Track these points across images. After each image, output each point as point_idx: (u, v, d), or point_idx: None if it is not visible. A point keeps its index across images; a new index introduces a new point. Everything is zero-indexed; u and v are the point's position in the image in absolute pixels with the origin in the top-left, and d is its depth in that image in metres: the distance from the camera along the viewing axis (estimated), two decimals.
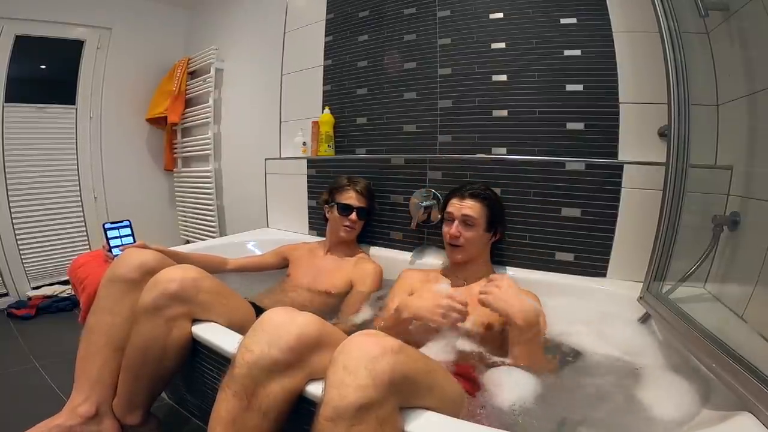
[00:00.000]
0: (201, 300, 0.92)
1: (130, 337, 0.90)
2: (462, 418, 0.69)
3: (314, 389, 0.69)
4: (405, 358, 0.61)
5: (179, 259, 1.17)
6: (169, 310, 0.88)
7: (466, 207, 1.19)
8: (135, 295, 0.93)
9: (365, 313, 1.25)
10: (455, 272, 1.26)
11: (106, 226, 1.33)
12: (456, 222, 1.19)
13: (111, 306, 0.96)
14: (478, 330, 1.06)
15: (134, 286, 0.96)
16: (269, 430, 0.67)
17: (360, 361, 0.58)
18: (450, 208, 1.23)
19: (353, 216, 1.45)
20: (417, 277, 1.29)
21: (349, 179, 1.52)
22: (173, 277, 0.90)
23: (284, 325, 0.70)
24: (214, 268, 1.39)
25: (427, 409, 0.65)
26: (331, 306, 1.34)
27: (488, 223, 1.20)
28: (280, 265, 1.58)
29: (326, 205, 1.53)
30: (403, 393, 0.61)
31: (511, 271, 1.37)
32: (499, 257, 1.39)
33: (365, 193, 1.50)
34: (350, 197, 1.47)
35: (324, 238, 1.61)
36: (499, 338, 1.07)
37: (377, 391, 0.56)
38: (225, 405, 0.68)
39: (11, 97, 2.28)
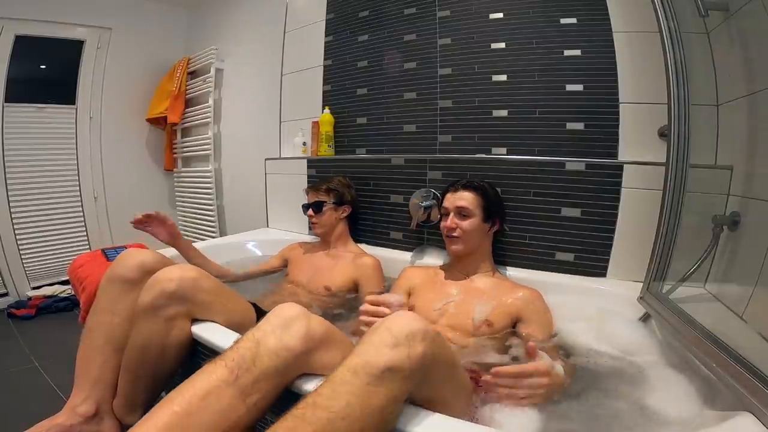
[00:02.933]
0: (200, 300, 0.92)
1: (130, 337, 0.90)
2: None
3: (303, 384, 0.68)
4: (438, 347, 0.64)
5: (203, 263, 1.37)
6: (168, 309, 0.88)
7: (460, 198, 1.20)
8: (134, 295, 0.93)
9: None
10: (456, 267, 1.26)
11: (108, 253, 1.35)
12: (451, 214, 1.20)
13: (110, 306, 0.96)
14: (480, 327, 1.07)
15: (134, 286, 0.96)
16: (242, 415, 0.63)
17: (404, 330, 0.60)
18: (445, 203, 1.23)
19: (309, 212, 1.50)
20: (417, 275, 1.30)
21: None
22: (172, 276, 0.90)
23: (297, 317, 0.70)
24: (222, 275, 1.41)
25: (441, 399, 0.66)
26: (331, 303, 1.34)
27: (485, 213, 1.20)
28: (282, 267, 1.61)
29: None
30: (426, 376, 0.62)
31: (512, 271, 1.37)
32: (500, 257, 1.38)
33: (321, 187, 1.53)
34: (306, 197, 1.55)
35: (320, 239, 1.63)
36: (502, 338, 1.07)
37: (409, 362, 0.58)
38: (206, 373, 0.64)
39: (11, 97, 2.28)
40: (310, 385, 0.67)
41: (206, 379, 0.64)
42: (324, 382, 0.58)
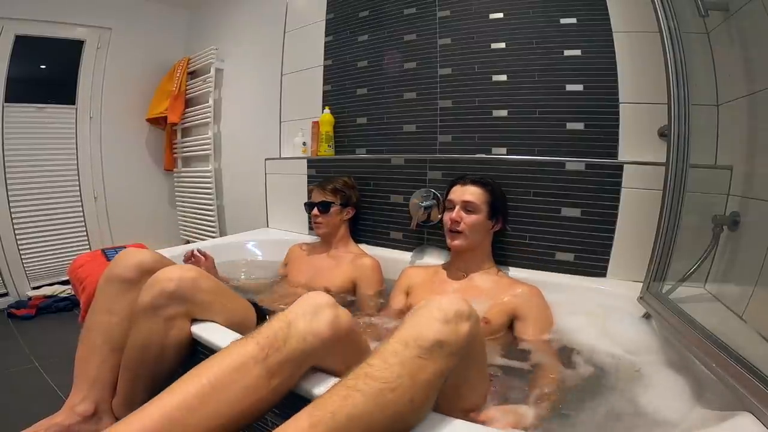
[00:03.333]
0: (200, 300, 0.92)
1: (129, 337, 0.90)
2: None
3: (308, 385, 0.68)
4: (478, 331, 0.66)
5: None
6: (167, 309, 0.87)
7: (467, 192, 1.19)
8: (133, 295, 0.93)
9: None
10: (455, 264, 1.26)
11: (108, 253, 1.35)
12: (457, 207, 1.18)
13: (109, 305, 0.96)
14: None
15: (132, 286, 0.96)
16: (264, 396, 0.63)
17: (452, 308, 0.62)
18: (451, 195, 1.22)
19: (315, 211, 1.49)
20: (417, 274, 1.30)
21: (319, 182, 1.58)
22: (171, 276, 0.89)
23: (327, 305, 0.70)
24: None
25: (471, 383, 0.69)
26: None
27: (490, 210, 1.19)
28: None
29: None
30: (466, 356, 0.63)
31: (512, 271, 1.36)
32: (500, 257, 1.38)
33: (327, 186, 1.52)
34: (311, 196, 1.53)
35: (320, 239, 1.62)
36: (503, 338, 1.07)
37: (456, 338, 0.60)
38: (238, 348, 0.63)
39: (11, 97, 2.28)
40: (317, 389, 0.66)
41: (236, 352, 0.63)
42: (374, 354, 0.59)
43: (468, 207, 1.18)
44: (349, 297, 1.37)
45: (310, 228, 1.96)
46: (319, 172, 1.89)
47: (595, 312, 1.11)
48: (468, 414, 0.70)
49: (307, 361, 0.67)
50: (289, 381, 0.66)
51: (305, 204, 1.55)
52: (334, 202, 1.49)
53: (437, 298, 0.65)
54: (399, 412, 0.55)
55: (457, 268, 1.24)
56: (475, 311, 0.66)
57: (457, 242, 1.19)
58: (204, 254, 1.39)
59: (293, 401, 0.66)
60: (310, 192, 1.59)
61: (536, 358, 0.98)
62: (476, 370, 0.71)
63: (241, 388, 0.61)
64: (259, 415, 0.64)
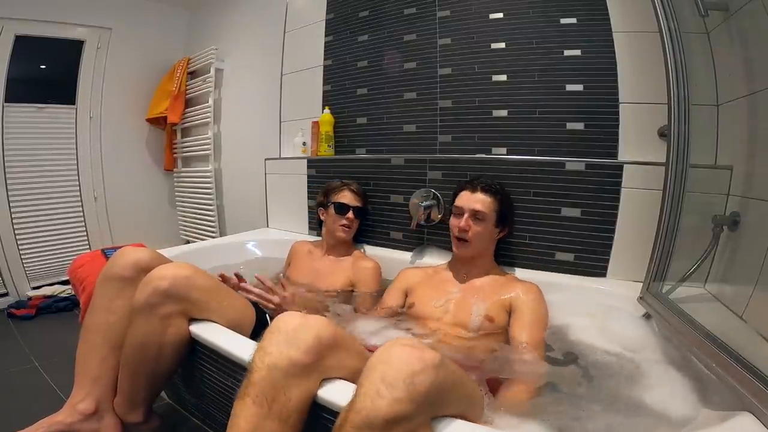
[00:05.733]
0: (195, 298, 0.92)
1: (127, 336, 0.90)
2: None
3: (326, 394, 0.69)
4: (444, 372, 0.61)
5: None
6: (162, 308, 0.88)
7: (477, 201, 1.17)
8: (130, 293, 0.93)
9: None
10: (457, 266, 1.26)
11: (108, 253, 1.34)
12: (466, 215, 1.17)
13: (107, 304, 0.96)
14: (482, 323, 1.07)
15: (129, 284, 0.96)
16: (291, 430, 0.66)
17: (399, 374, 0.57)
18: (460, 201, 1.20)
19: (350, 215, 1.46)
20: (415, 274, 1.30)
21: (343, 181, 1.55)
22: (165, 274, 0.90)
23: (301, 327, 0.70)
24: None
25: (455, 416, 0.64)
26: (331, 303, 1.34)
27: (498, 219, 1.19)
28: None
29: (321, 207, 1.54)
30: (437, 405, 0.61)
31: (511, 271, 1.37)
32: (500, 257, 1.38)
33: (360, 193, 1.52)
34: (345, 196, 1.49)
35: (321, 238, 1.61)
36: (505, 334, 1.07)
37: (412, 405, 0.56)
38: (244, 414, 0.65)
39: (11, 97, 2.27)
40: (328, 394, 0.69)
41: (244, 417, 0.65)
42: None
43: (477, 215, 1.16)
44: (349, 297, 1.38)
45: (311, 228, 1.96)
46: (319, 172, 1.89)
47: (595, 312, 1.11)
48: None
49: (309, 380, 0.68)
50: (304, 403, 0.67)
51: (335, 204, 1.47)
52: (367, 210, 1.53)
53: (382, 365, 0.59)
54: None
55: (458, 269, 1.25)
56: (431, 357, 0.60)
57: (463, 251, 1.18)
58: (281, 285, 1.22)
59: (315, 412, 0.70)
60: (329, 191, 1.52)
61: (523, 360, 0.98)
62: (462, 402, 0.68)
63: None
64: None
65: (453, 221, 1.20)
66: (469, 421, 0.65)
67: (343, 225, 1.46)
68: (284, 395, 0.65)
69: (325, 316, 1.20)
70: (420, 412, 0.57)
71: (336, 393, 0.68)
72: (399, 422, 0.55)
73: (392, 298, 1.26)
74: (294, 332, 0.69)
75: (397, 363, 0.58)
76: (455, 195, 1.25)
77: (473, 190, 1.19)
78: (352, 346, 0.77)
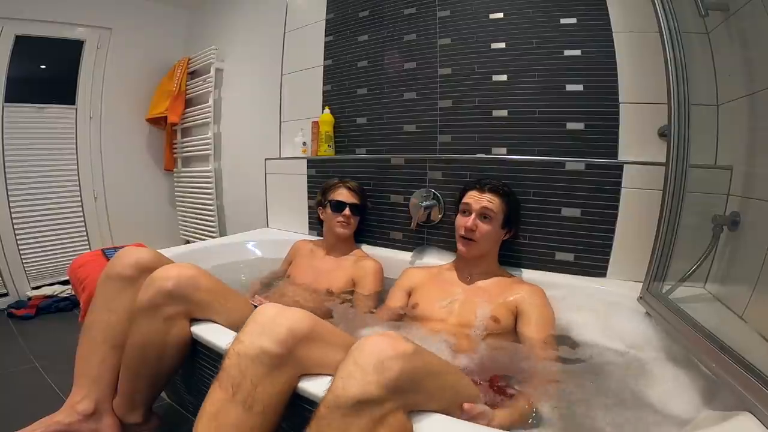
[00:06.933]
0: (198, 298, 0.92)
1: (129, 336, 0.90)
2: None
3: (308, 386, 0.69)
4: (417, 362, 0.63)
5: None
6: (166, 308, 0.87)
7: (485, 200, 1.16)
8: (131, 293, 0.93)
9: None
10: (461, 266, 1.25)
11: (108, 252, 1.34)
12: (474, 214, 1.16)
13: (108, 303, 0.96)
14: (487, 324, 1.07)
15: (130, 284, 0.96)
16: (255, 424, 0.66)
17: (370, 358, 0.60)
18: (468, 200, 1.19)
19: (346, 211, 1.46)
20: (419, 274, 1.30)
21: (340, 179, 1.55)
22: (169, 275, 0.89)
23: (275, 317, 0.71)
24: None
25: (439, 411, 0.65)
26: (331, 303, 1.34)
27: (505, 220, 1.19)
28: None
29: (320, 207, 1.54)
30: (410, 395, 0.62)
31: (512, 271, 1.36)
32: (500, 257, 1.38)
33: (357, 190, 1.52)
34: (342, 194, 1.49)
35: (322, 238, 1.61)
36: (511, 335, 1.07)
37: (379, 389, 0.58)
38: (211, 398, 0.68)
39: (11, 97, 2.28)
40: (313, 387, 0.69)
41: (210, 400, 0.68)
42: (311, 421, 0.60)
43: (485, 215, 1.16)
44: (350, 297, 1.37)
45: (311, 228, 1.96)
46: (319, 172, 1.89)
47: (597, 310, 1.11)
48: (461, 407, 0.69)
49: (281, 374, 0.68)
50: (275, 399, 0.68)
51: (331, 202, 1.48)
52: (365, 207, 1.52)
53: (355, 351, 0.62)
54: None
55: (462, 269, 1.24)
56: (404, 346, 0.62)
57: (469, 251, 1.17)
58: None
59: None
60: (326, 189, 1.53)
61: (534, 358, 0.98)
62: (445, 394, 0.68)
63: (230, 427, 0.65)
64: None
65: (459, 220, 1.19)
66: (456, 417, 0.65)
67: (339, 222, 1.46)
68: (249, 383, 0.66)
69: (329, 317, 1.21)
70: (389, 397, 0.59)
71: (320, 387, 0.67)
72: (368, 404, 0.57)
73: (396, 299, 1.26)
74: (268, 323, 0.70)
75: (370, 348, 0.62)
76: (462, 194, 1.24)
77: (482, 190, 1.19)
78: (336, 340, 0.75)
